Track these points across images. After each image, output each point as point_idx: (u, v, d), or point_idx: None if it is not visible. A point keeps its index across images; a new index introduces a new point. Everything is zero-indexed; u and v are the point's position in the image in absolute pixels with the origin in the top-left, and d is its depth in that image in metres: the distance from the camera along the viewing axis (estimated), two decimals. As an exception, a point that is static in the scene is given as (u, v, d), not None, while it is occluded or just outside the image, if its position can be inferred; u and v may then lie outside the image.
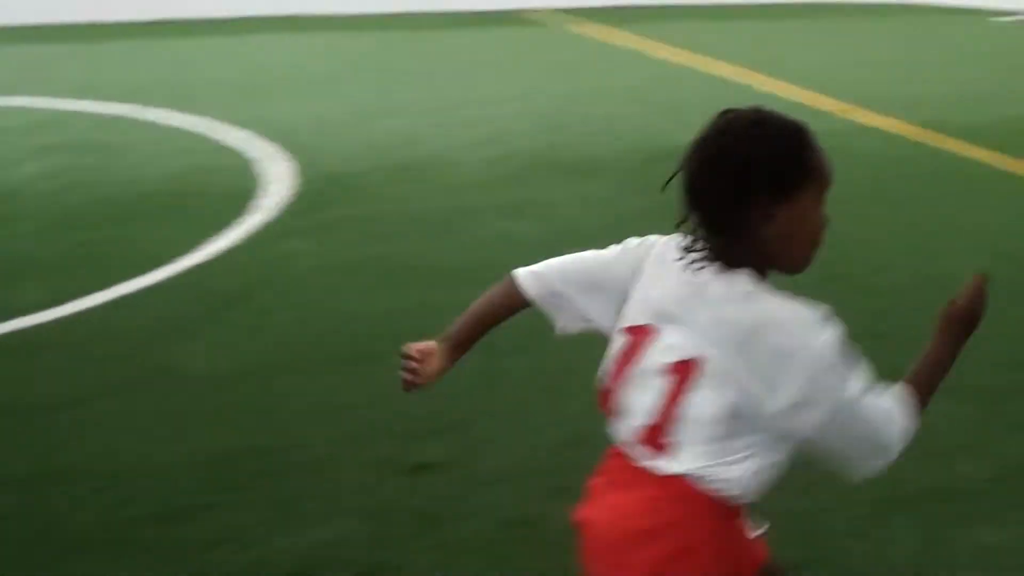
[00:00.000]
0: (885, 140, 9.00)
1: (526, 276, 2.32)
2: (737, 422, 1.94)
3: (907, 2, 17.42)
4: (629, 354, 2.06)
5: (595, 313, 2.23)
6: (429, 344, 2.30)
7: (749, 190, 1.93)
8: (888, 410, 1.95)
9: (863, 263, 6.11)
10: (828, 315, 1.90)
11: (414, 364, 2.27)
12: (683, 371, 1.96)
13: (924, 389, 2.05)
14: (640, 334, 2.05)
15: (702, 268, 1.98)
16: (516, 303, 2.34)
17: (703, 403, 1.95)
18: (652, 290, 2.07)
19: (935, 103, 10.34)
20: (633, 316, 2.08)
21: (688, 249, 2.00)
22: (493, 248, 6.24)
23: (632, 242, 2.21)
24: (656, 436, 2.00)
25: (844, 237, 6.48)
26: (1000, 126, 9.42)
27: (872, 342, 2.80)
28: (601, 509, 2.09)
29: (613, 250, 2.24)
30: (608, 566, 2.06)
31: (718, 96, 10.30)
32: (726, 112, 2.02)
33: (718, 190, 1.95)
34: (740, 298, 1.94)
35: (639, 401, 2.03)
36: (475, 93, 10.53)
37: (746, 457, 1.97)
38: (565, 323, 2.30)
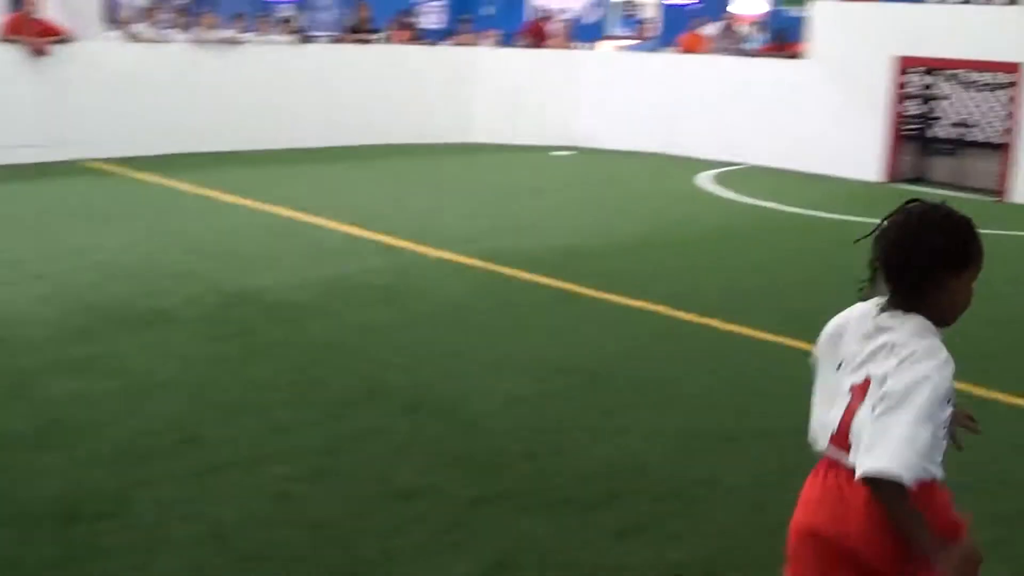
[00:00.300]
0: (461, 272, 9.28)
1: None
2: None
3: (471, 141, 18.16)
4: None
5: None
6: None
7: (932, 267, 2.69)
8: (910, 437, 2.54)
9: (443, 394, 6.21)
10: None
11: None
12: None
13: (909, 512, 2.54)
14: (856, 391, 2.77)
15: (883, 313, 2.77)
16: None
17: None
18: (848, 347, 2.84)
19: (497, 234, 10.81)
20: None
21: (879, 305, 2.79)
22: (64, 408, 5.90)
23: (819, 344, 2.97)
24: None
25: (423, 369, 6.60)
26: (555, 253, 10.01)
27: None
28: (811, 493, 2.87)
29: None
30: (832, 516, 2.76)
31: (284, 239, 10.33)
32: (912, 202, 2.78)
33: (908, 265, 2.70)
34: (915, 331, 2.70)
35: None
36: (39, 247, 10.07)
37: None
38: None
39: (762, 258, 10.46)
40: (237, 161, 15.18)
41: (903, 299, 2.74)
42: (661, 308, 8.29)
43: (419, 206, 12.44)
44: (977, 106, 16.66)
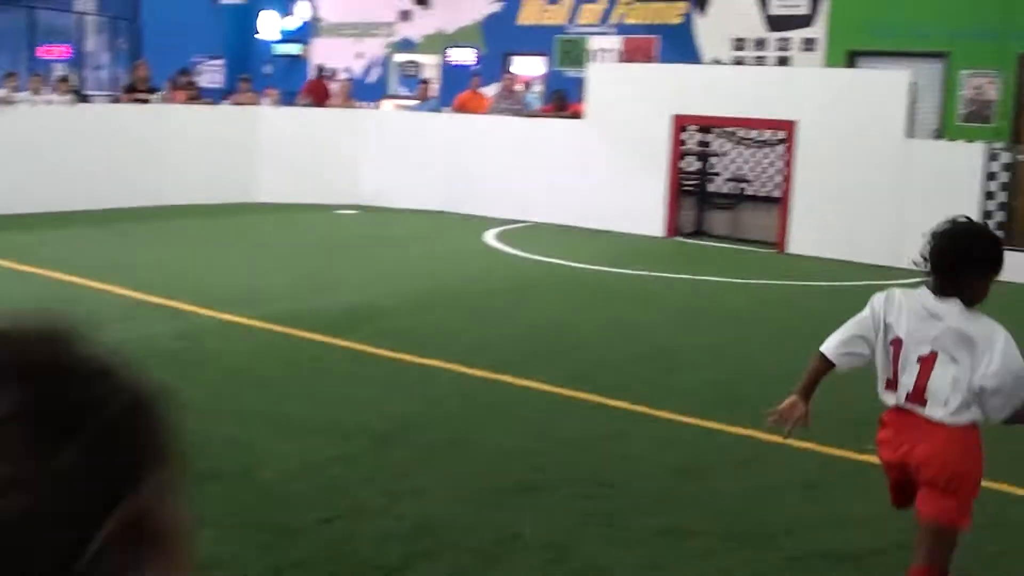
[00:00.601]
0: (247, 334, 9.09)
1: (830, 352, 4.24)
2: (957, 385, 3.94)
3: (256, 200, 17.89)
4: (896, 356, 4.08)
5: (869, 352, 4.20)
6: (791, 399, 4.26)
7: (971, 267, 4.01)
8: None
9: (235, 460, 6.02)
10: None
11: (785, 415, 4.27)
12: (927, 361, 4.00)
13: None
14: (898, 344, 4.07)
15: (930, 298, 4.02)
16: (825, 367, 4.27)
17: (938, 377, 3.97)
18: (900, 319, 4.06)
19: (285, 295, 10.64)
20: (892, 335, 4.08)
21: (930, 289, 4.03)
22: None
23: (876, 300, 4.19)
24: (919, 396, 4.02)
25: (214, 436, 6.39)
26: (345, 313, 9.91)
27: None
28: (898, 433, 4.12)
29: (867, 311, 4.19)
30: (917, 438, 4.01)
31: (59, 305, 9.94)
32: (956, 219, 4.10)
33: (955, 264, 3.98)
34: (958, 315, 3.97)
35: (906, 379, 4.05)
36: None
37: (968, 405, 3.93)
38: (850, 365, 4.27)
39: (551, 313, 10.56)
40: (9, 223, 14.60)
41: (945, 287, 4.00)
42: (453, 365, 8.26)
43: (204, 268, 12.15)
44: (754, 162, 17.29)
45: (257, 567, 4.72)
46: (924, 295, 4.05)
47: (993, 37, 16.67)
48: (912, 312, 4.05)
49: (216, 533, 5.02)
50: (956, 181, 14.02)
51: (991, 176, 14.13)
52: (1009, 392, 3.90)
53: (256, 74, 23.74)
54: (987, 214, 14.04)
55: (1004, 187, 14.32)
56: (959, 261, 3.96)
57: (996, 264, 4.05)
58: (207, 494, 5.52)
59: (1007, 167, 14.37)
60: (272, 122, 18.62)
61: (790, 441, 6.71)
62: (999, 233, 5.35)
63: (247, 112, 18.95)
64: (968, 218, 4.20)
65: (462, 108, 19.49)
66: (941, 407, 3.97)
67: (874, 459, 6.47)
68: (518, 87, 19.92)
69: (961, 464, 4.01)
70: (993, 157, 14.21)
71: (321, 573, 4.70)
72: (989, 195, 14.12)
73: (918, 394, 4.01)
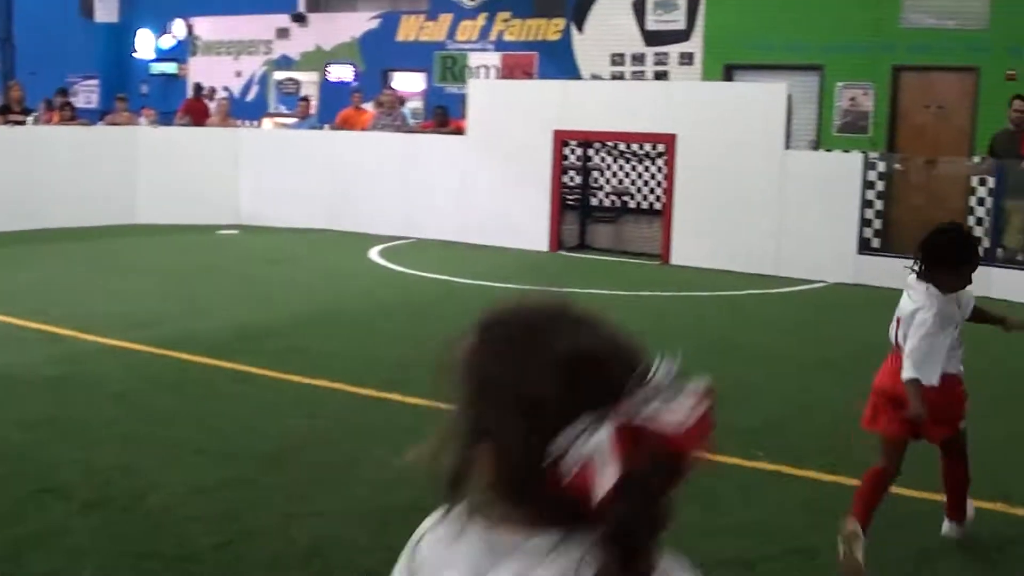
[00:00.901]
0: (131, 358, 8.92)
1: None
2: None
3: (135, 222, 17.59)
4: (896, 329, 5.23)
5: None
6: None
7: (945, 263, 5.04)
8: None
9: (122, 487, 5.90)
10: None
11: None
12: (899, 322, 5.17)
13: None
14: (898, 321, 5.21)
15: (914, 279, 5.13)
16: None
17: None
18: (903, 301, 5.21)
19: (168, 318, 10.48)
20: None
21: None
22: None
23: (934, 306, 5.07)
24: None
25: (99, 463, 6.26)
26: (229, 334, 9.79)
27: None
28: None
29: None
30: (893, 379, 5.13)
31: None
32: (942, 224, 5.21)
33: (924, 259, 5.05)
34: (923, 292, 5.06)
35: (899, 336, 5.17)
36: None
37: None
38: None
39: (439, 330, 10.47)
40: None
41: (923, 275, 5.08)
42: (341, 385, 8.20)
43: (84, 292, 11.91)
44: (635, 175, 17.46)
45: (149, 596, 4.62)
46: (910, 278, 5.20)
47: (866, 49, 17.09)
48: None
49: (106, 562, 4.92)
50: (834, 191, 14.31)
51: (869, 185, 14.45)
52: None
53: (133, 94, 23.40)
54: (866, 222, 14.36)
55: (880, 196, 14.66)
56: (925, 256, 5.07)
57: (961, 261, 5.11)
58: (95, 522, 5.41)
59: (883, 176, 14.72)
60: (150, 142, 18.34)
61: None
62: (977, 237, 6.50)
63: (125, 132, 18.66)
64: (953, 223, 5.40)
65: (345, 124, 19.41)
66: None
67: (763, 465, 6.58)
68: (399, 104, 19.86)
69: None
70: (870, 166, 14.54)
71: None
72: (867, 203, 14.44)
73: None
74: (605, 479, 1.34)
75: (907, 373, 5.00)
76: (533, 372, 1.44)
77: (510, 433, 1.44)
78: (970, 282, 5.13)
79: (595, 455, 1.35)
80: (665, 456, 1.37)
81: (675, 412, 1.36)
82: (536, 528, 1.45)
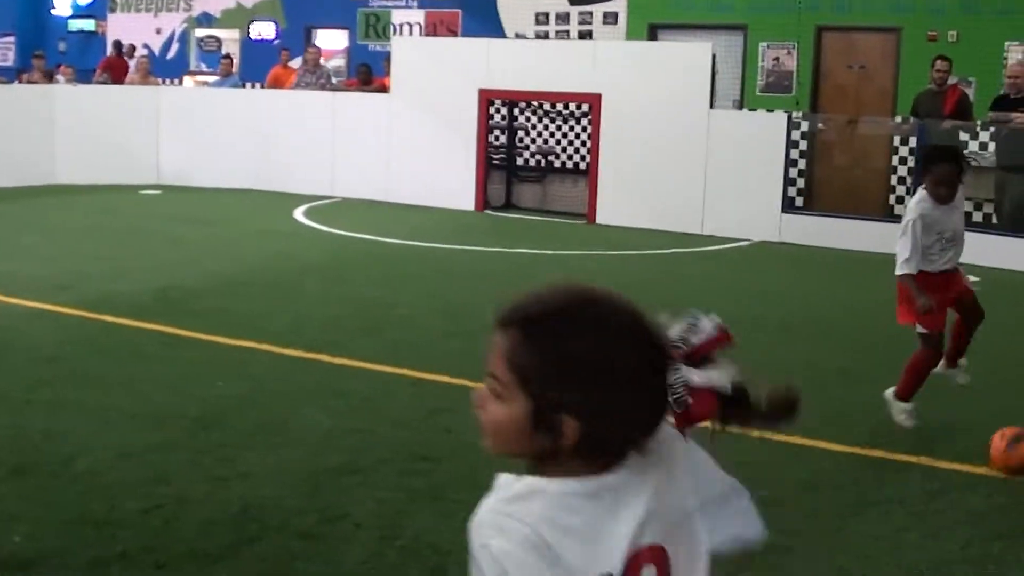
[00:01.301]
0: (55, 321, 8.81)
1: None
2: None
3: (54, 182, 17.29)
4: None
5: None
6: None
7: (924, 170, 6.69)
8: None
9: (51, 453, 5.84)
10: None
11: None
12: None
13: None
14: None
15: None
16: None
17: None
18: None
19: (90, 279, 10.34)
20: None
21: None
22: None
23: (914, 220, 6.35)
24: None
25: (27, 428, 6.19)
26: (153, 296, 9.70)
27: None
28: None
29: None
30: None
31: None
32: (936, 145, 9.53)
33: (921, 169, 7.30)
34: (913, 201, 6.62)
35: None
36: None
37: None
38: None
39: (366, 290, 10.51)
40: None
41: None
42: (269, 346, 8.16)
43: (5, 255, 11.68)
44: (560, 135, 17.48)
45: (80, 561, 4.58)
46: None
47: (790, 9, 17.17)
48: None
49: (35, 529, 4.87)
50: (758, 150, 14.42)
51: (793, 144, 14.58)
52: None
53: (50, 51, 22.97)
54: (790, 181, 14.50)
55: (803, 155, 14.81)
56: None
57: (927, 163, 6.61)
58: (24, 489, 5.35)
59: (806, 135, 14.86)
60: (70, 101, 18.01)
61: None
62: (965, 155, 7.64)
63: (43, 91, 18.32)
64: (949, 144, 7.17)
65: (276, 83, 19.21)
66: None
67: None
68: (323, 61, 19.68)
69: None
70: (794, 126, 14.67)
71: (147, 563, 4.59)
72: (791, 163, 14.58)
73: None
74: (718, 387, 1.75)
75: (896, 272, 6.33)
76: (612, 346, 1.73)
77: (599, 404, 1.70)
78: (949, 190, 6.30)
79: (700, 382, 1.74)
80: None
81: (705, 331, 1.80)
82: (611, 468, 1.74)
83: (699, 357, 1.75)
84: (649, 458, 1.75)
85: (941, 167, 6.35)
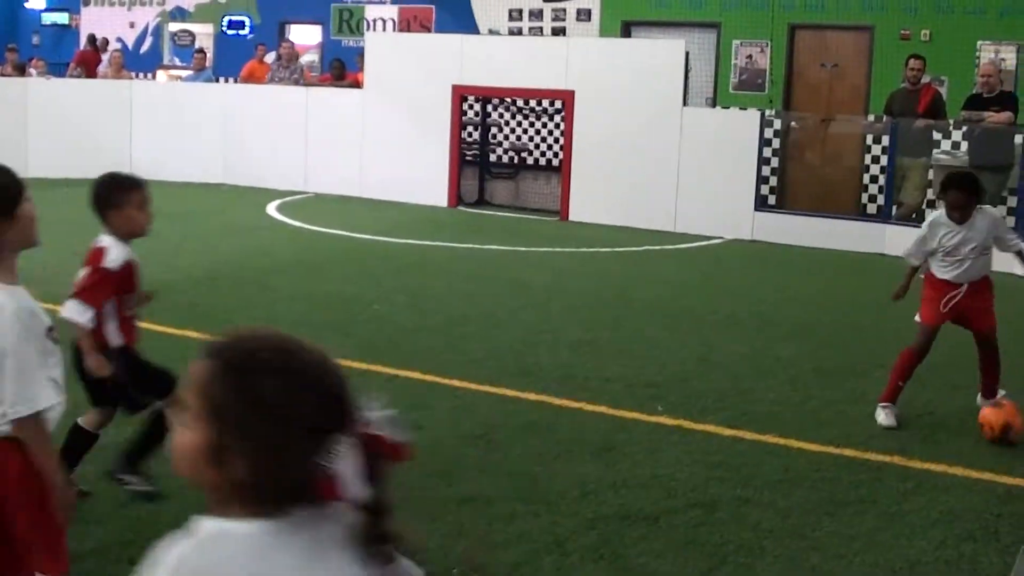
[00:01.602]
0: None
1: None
2: None
3: (27, 176, 17.12)
4: None
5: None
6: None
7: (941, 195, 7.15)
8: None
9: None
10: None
11: None
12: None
13: None
14: None
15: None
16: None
17: None
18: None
19: (65, 275, 10.25)
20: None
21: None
22: None
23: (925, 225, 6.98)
24: None
25: None
26: None
27: None
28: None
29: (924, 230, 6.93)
30: None
31: None
32: (953, 172, 7.76)
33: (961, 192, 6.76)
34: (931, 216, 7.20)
35: None
36: None
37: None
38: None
39: (339, 286, 10.48)
40: None
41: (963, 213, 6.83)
42: (242, 341, 8.10)
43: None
44: (533, 132, 17.46)
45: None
46: None
47: (763, 7, 17.20)
48: None
49: None
50: (731, 148, 14.46)
51: (766, 143, 14.61)
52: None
53: (24, 44, 22.82)
54: (763, 180, 14.54)
55: (776, 153, 14.84)
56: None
57: (942, 190, 6.92)
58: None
59: (779, 134, 14.90)
60: (42, 94, 17.94)
61: (582, 405, 6.85)
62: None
63: (16, 84, 18.22)
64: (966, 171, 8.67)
65: (251, 78, 19.14)
66: None
67: (664, 420, 6.66)
68: (296, 56, 19.61)
69: None
70: (767, 124, 14.70)
71: (120, 558, 4.57)
72: (764, 161, 14.61)
73: None
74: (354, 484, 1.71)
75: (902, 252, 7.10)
76: (297, 397, 1.75)
77: (269, 445, 1.72)
78: (960, 213, 6.64)
79: (344, 466, 1.71)
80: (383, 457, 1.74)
81: (386, 430, 1.75)
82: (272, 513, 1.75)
83: (371, 450, 1.74)
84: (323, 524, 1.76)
85: (951, 194, 6.74)
